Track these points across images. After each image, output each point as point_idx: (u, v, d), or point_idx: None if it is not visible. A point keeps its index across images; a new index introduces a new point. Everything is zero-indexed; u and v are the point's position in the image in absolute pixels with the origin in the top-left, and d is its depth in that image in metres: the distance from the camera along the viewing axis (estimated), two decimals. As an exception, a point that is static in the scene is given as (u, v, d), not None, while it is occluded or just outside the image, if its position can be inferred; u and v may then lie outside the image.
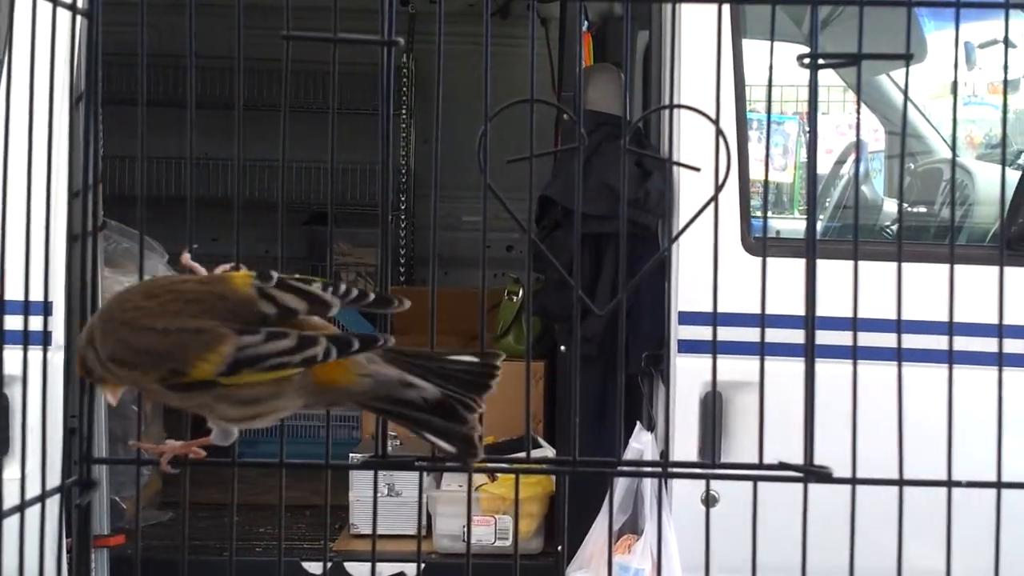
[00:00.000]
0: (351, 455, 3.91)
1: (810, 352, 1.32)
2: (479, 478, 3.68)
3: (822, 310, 1.48)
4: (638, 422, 3.29)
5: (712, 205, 1.37)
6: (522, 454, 3.62)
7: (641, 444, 3.20)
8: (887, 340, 1.63)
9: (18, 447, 1.32)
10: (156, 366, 1.24)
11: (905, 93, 3.42)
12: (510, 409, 3.72)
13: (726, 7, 2.82)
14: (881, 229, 4.50)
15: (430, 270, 1.44)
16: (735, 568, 1.59)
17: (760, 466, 1.30)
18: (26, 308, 1.53)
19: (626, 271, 1.58)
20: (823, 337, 1.56)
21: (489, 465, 1.36)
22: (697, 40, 2.95)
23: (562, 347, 3.71)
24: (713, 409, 2.25)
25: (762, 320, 1.37)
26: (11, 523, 1.29)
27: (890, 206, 4.68)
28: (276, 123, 1.45)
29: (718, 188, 1.25)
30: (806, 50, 1.42)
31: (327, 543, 3.53)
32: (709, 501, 2.52)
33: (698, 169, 1.44)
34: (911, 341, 2.56)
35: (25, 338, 1.55)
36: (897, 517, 1.37)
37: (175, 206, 5.36)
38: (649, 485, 3.09)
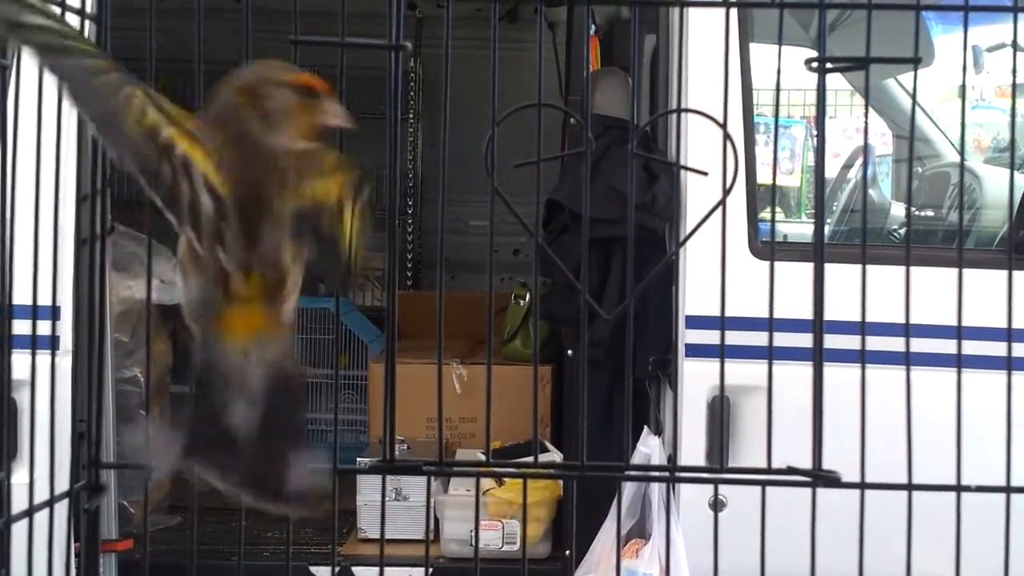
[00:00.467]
0: (358, 459, 3.91)
1: (818, 356, 1.32)
2: (487, 483, 3.68)
3: (830, 314, 1.47)
4: (645, 426, 3.29)
5: (719, 209, 1.37)
6: (529, 458, 3.61)
7: (648, 448, 3.20)
8: (895, 344, 1.63)
9: (26, 452, 1.33)
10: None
11: (913, 97, 3.41)
12: (517, 413, 3.74)
13: (733, 11, 2.82)
14: (889, 233, 4.49)
15: (438, 274, 1.44)
16: (743, 573, 1.59)
17: (768, 471, 1.30)
18: (34, 312, 1.53)
19: (634, 275, 1.58)
20: (831, 341, 1.56)
21: (497, 470, 1.35)
22: (705, 44, 2.94)
23: (569, 351, 3.71)
24: (721, 414, 2.24)
25: (770, 324, 1.37)
26: (20, 527, 1.30)
27: (897, 210, 4.68)
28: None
29: (726, 192, 1.25)
30: (813, 54, 1.42)
31: (335, 548, 3.53)
32: (717, 506, 2.52)
33: (706, 173, 1.44)
34: (919, 345, 2.55)
35: (33, 342, 1.55)
36: (906, 521, 1.37)
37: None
38: (657, 490, 3.09)
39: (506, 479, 3.62)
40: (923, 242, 4.09)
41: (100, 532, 1.42)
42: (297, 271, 1.28)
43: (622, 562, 2.98)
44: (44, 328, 1.80)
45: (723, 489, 1.51)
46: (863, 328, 1.39)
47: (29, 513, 1.29)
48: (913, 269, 1.53)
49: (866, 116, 3.62)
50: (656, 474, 1.63)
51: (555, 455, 3.88)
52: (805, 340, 1.48)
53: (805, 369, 1.45)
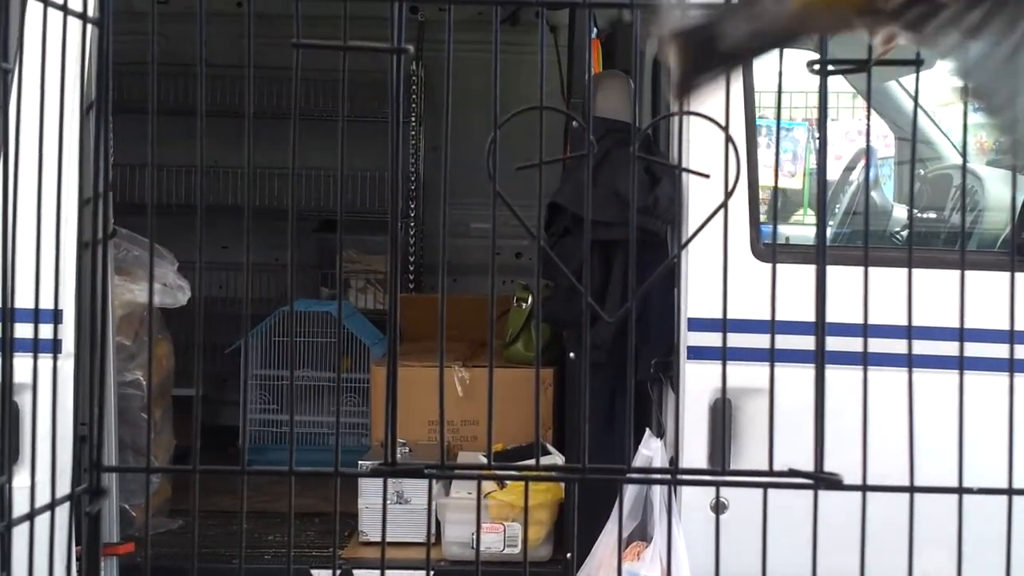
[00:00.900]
0: (360, 463, 3.91)
1: (820, 358, 1.32)
2: (488, 485, 3.68)
3: (832, 316, 1.47)
4: (647, 429, 3.29)
5: (721, 212, 1.37)
6: (531, 461, 3.60)
7: (650, 451, 3.20)
8: (898, 346, 1.63)
9: (28, 455, 1.33)
10: None
11: (915, 99, 3.40)
12: (519, 416, 3.74)
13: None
14: (891, 235, 4.49)
15: (439, 277, 1.44)
16: (745, 575, 1.59)
17: (770, 473, 1.30)
18: (36, 315, 1.53)
19: (635, 278, 1.58)
20: (833, 343, 1.56)
21: (498, 472, 1.35)
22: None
23: (571, 354, 3.71)
24: (723, 416, 2.24)
25: (771, 326, 1.37)
26: (21, 531, 1.30)
27: (899, 212, 4.68)
28: (287, 131, 1.45)
29: (727, 195, 1.25)
30: (815, 56, 1.42)
31: (336, 551, 3.53)
32: (719, 508, 2.51)
33: (707, 176, 1.44)
34: (922, 347, 2.55)
35: (35, 346, 1.55)
36: (908, 524, 1.36)
37: (185, 214, 5.36)
38: (658, 492, 3.09)
39: (508, 482, 3.62)
40: (925, 244, 4.09)
41: (101, 536, 1.42)
42: None
43: (624, 565, 2.98)
44: (46, 332, 1.80)
45: (725, 491, 1.51)
46: (865, 330, 1.39)
47: (30, 516, 1.29)
48: (915, 271, 1.52)
49: (868, 118, 3.61)
50: (657, 477, 1.62)
51: (557, 457, 3.88)
52: (807, 342, 1.48)
53: (807, 371, 1.45)
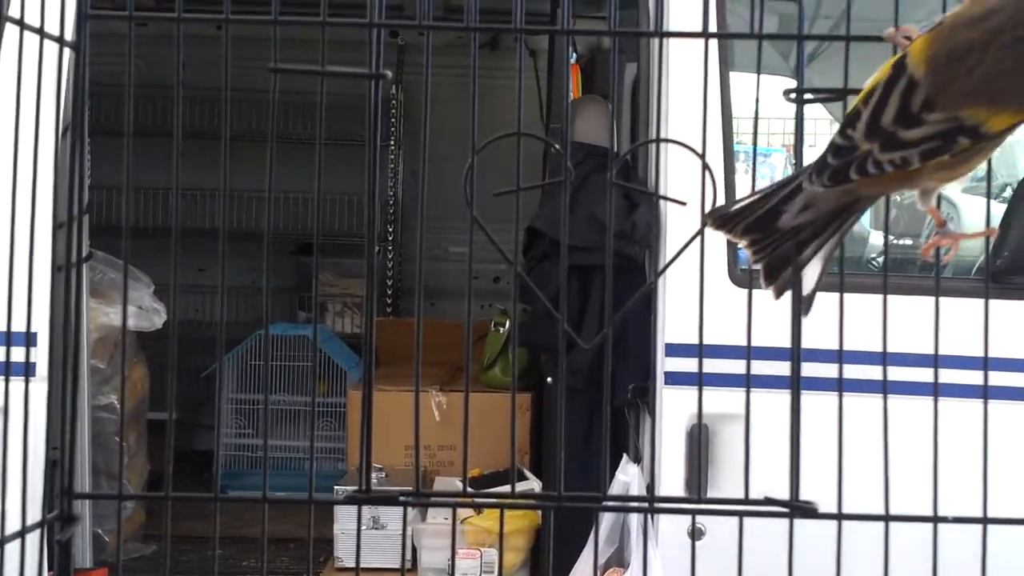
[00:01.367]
0: (336, 488, 3.90)
1: (796, 385, 1.31)
2: (465, 511, 3.66)
3: (810, 342, 1.47)
4: (624, 454, 3.28)
5: (699, 238, 1.38)
6: (507, 487, 3.59)
7: (628, 476, 3.19)
8: (875, 373, 1.63)
9: (-1, 480, 1.31)
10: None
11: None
12: (497, 441, 3.73)
13: (713, 41, 2.84)
14: (868, 262, 4.51)
15: (416, 301, 1.43)
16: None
17: (746, 501, 1.30)
18: (8, 339, 1.52)
19: (613, 303, 1.57)
20: (810, 369, 1.56)
21: (470, 501, 1.34)
22: (685, 72, 2.96)
23: (549, 379, 3.70)
24: (699, 442, 2.24)
25: (747, 353, 1.37)
26: (-9, 557, 1.28)
27: (876, 238, 4.69)
28: (264, 154, 1.45)
29: (704, 222, 1.25)
30: (793, 83, 1.42)
31: (311, 577, 3.50)
32: (696, 535, 2.50)
33: (684, 203, 1.44)
34: (900, 374, 2.56)
35: (7, 369, 1.54)
36: (883, 551, 1.36)
37: (162, 236, 5.35)
38: (635, 519, 3.08)
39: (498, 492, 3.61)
40: (902, 271, 4.11)
41: (73, 562, 1.40)
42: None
43: (601, 591, 2.97)
44: (19, 355, 1.78)
45: (701, 518, 1.50)
46: (840, 356, 1.39)
47: (0, 543, 1.27)
48: (892, 298, 1.53)
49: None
50: (633, 505, 1.62)
51: (534, 483, 3.87)
52: (785, 368, 1.48)
53: (785, 397, 1.44)
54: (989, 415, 1.48)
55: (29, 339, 1.58)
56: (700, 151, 1.30)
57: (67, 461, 1.23)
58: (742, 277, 3.08)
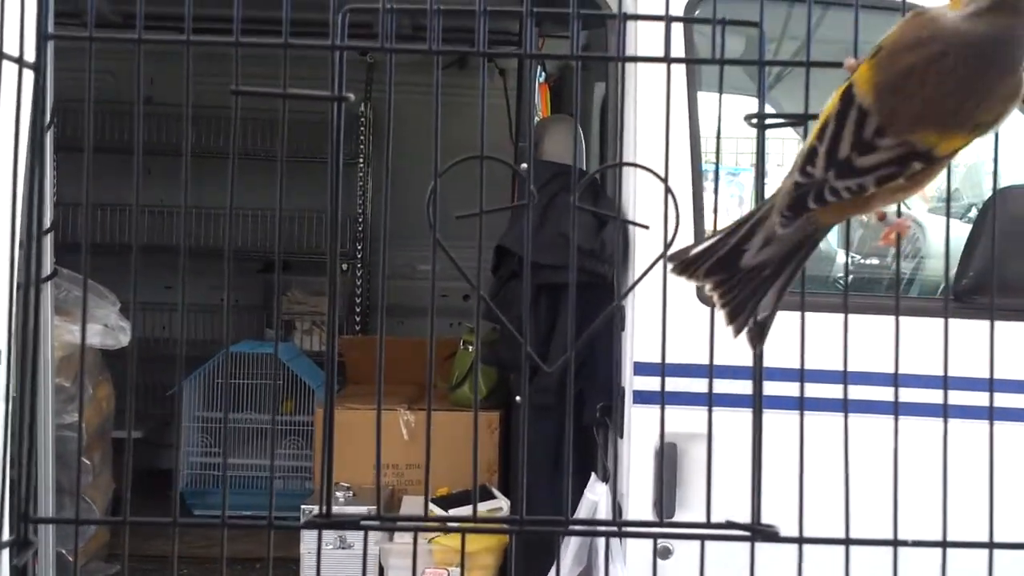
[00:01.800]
0: (303, 507, 3.87)
1: (757, 408, 1.32)
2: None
3: (777, 361, 1.48)
4: (593, 473, 3.28)
5: (668, 256, 1.38)
6: (479, 505, 3.57)
7: (596, 495, 3.19)
8: (849, 392, 1.63)
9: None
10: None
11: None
12: (465, 459, 3.72)
13: (680, 54, 2.86)
14: (834, 281, 4.53)
15: (378, 319, 1.43)
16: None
17: (708, 524, 1.30)
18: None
19: (581, 322, 1.57)
20: (781, 388, 1.56)
21: (434, 525, 1.34)
22: (653, 92, 2.97)
23: (517, 397, 3.70)
24: (661, 464, 2.24)
25: (710, 372, 1.37)
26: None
27: (843, 258, 4.72)
28: (234, 171, 1.44)
29: (667, 247, 1.25)
30: (757, 105, 1.43)
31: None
32: (662, 554, 2.50)
33: (647, 227, 1.45)
34: (865, 393, 2.57)
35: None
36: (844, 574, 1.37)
37: (128, 254, 5.31)
38: (603, 537, 3.08)
39: (463, 514, 3.59)
40: (868, 290, 4.13)
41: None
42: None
43: (568, 611, 2.96)
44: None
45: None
46: (802, 375, 1.40)
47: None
48: (859, 317, 1.53)
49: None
50: (596, 529, 1.62)
51: (502, 501, 3.86)
52: (751, 387, 1.48)
53: (752, 416, 1.45)
54: (951, 434, 1.49)
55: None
56: (664, 174, 1.30)
57: (23, 487, 1.22)
58: (710, 296, 3.09)
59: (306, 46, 1.24)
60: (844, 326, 1.44)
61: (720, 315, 1.30)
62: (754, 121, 1.39)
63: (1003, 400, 3.01)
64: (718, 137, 1.42)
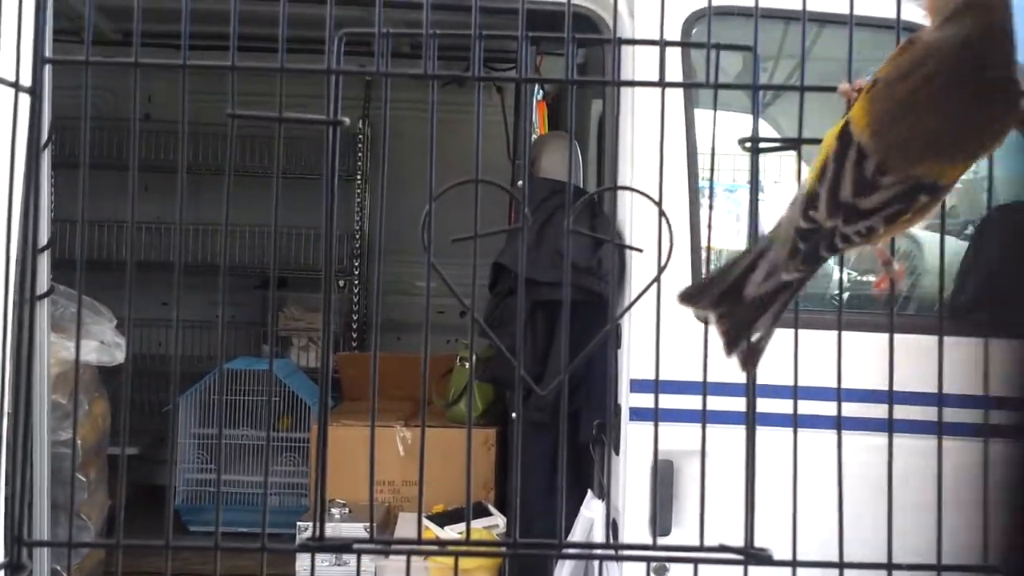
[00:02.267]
0: (299, 523, 3.86)
1: (751, 430, 1.32)
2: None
3: (775, 379, 1.48)
4: (589, 490, 3.27)
5: (667, 273, 1.38)
6: (476, 522, 3.57)
7: (592, 512, 3.18)
8: (846, 409, 1.63)
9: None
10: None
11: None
12: (461, 476, 3.70)
13: (677, 76, 2.86)
14: (831, 298, 4.53)
15: (373, 335, 1.43)
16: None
17: (701, 548, 1.30)
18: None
19: (578, 340, 1.58)
20: (779, 406, 1.56)
21: (426, 549, 1.34)
22: (650, 111, 2.98)
23: (514, 414, 3.70)
24: (654, 482, 2.23)
25: (703, 395, 1.37)
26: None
27: (838, 274, 4.72)
28: (234, 188, 1.44)
29: (660, 270, 1.26)
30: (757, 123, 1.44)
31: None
32: (658, 571, 2.50)
33: (640, 250, 1.45)
34: (861, 411, 2.56)
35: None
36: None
37: (125, 270, 5.30)
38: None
39: (458, 534, 3.58)
40: (865, 307, 4.12)
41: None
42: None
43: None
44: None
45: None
46: (795, 393, 1.40)
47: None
48: (857, 334, 1.54)
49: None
50: (587, 552, 1.62)
51: (498, 518, 3.85)
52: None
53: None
54: (947, 451, 1.49)
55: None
56: (659, 196, 1.31)
57: (17, 511, 1.22)
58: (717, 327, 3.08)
59: (302, 71, 1.25)
60: (838, 344, 1.45)
61: (718, 340, 1.30)
62: (748, 145, 1.40)
63: (998, 418, 3.01)
64: (712, 158, 1.42)
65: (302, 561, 3.71)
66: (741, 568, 1.39)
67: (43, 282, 2.81)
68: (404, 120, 3.86)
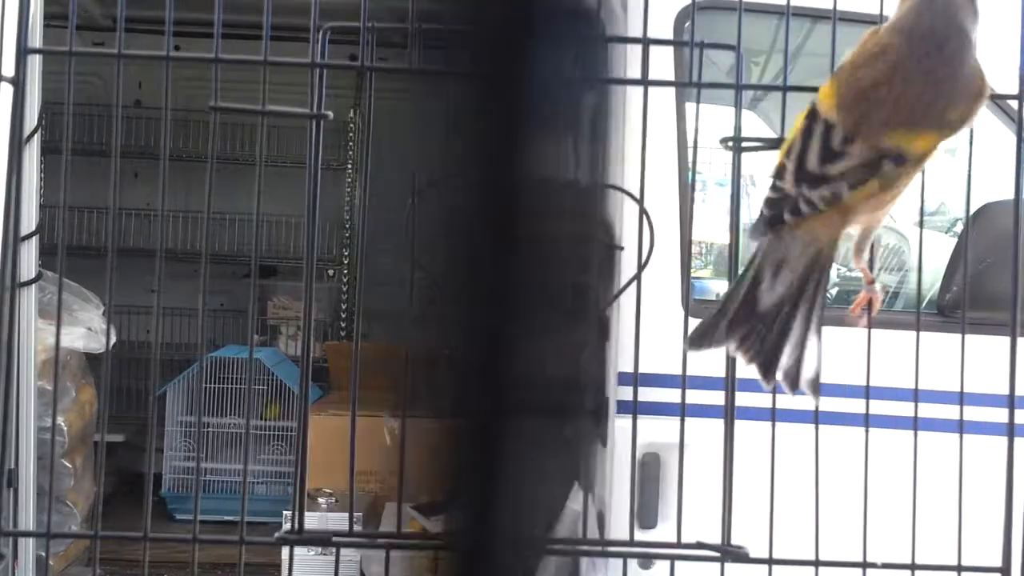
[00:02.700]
0: (285, 512, 3.86)
1: (730, 427, 1.32)
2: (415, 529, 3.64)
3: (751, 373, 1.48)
4: (576, 482, 3.28)
5: (655, 268, 1.39)
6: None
7: (579, 505, 3.18)
8: (831, 404, 1.64)
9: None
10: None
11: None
12: (448, 467, 3.70)
13: (668, 70, 2.86)
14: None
15: (355, 325, 1.44)
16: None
17: (679, 545, 1.30)
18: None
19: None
20: (755, 399, 1.56)
21: (408, 543, 1.34)
22: (640, 104, 2.97)
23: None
24: (633, 479, 2.22)
25: (682, 389, 1.38)
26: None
27: (832, 272, 4.73)
28: (221, 176, 1.44)
29: (640, 267, 1.26)
30: (746, 118, 1.44)
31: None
32: (644, 564, 2.50)
33: (622, 248, 1.46)
34: (846, 406, 2.57)
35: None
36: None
37: (116, 256, 5.29)
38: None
39: (433, 527, 3.58)
40: (850, 303, 4.13)
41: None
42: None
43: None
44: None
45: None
46: (773, 391, 1.40)
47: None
48: (840, 330, 1.54)
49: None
50: (560, 548, 1.62)
51: (485, 510, 3.86)
52: (740, 398, 1.49)
53: (738, 425, 1.45)
54: (928, 448, 1.50)
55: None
56: (641, 193, 1.31)
57: (-5, 498, 1.22)
58: (697, 307, 3.09)
59: (286, 63, 1.24)
60: (819, 339, 1.45)
61: (754, 371, 1.28)
62: (729, 145, 1.40)
63: (985, 415, 3.02)
64: (695, 154, 1.42)
65: (287, 551, 3.71)
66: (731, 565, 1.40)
67: (31, 268, 2.80)
68: (396, 109, 3.85)
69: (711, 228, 4.94)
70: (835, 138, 1.23)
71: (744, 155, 1.47)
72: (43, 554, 3.56)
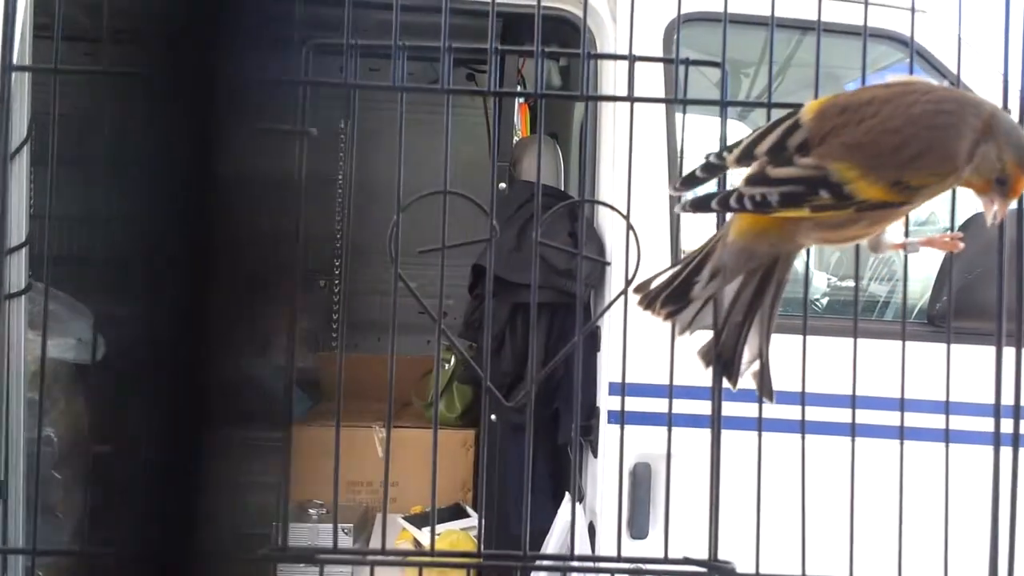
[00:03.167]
0: (273, 523, 3.85)
1: (716, 443, 1.32)
2: (408, 544, 3.64)
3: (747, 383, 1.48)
4: (567, 492, 3.28)
5: (644, 276, 1.39)
6: (453, 523, 3.56)
7: (570, 515, 3.18)
8: (820, 414, 1.64)
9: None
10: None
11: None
12: (440, 477, 3.70)
13: (658, 82, 2.87)
14: (811, 303, 4.55)
15: (356, 335, 1.43)
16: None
17: (666, 560, 1.31)
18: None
19: (556, 341, 1.58)
20: (744, 409, 1.57)
21: (390, 560, 1.34)
22: (628, 116, 2.98)
23: (492, 416, 3.70)
24: (631, 485, 2.24)
25: (669, 399, 1.38)
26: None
27: (819, 281, 4.75)
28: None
29: (628, 283, 1.26)
30: (737, 126, 1.45)
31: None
32: (635, 571, 2.49)
33: (608, 263, 1.46)
34: (837, 416, 2.57)
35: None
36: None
37: (106, 267, 5.28)
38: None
39: (429, 540, 3.58)
40: (844, 313, 4.15)
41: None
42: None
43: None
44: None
45: (640, 553, 1.50)
46: (760, 399, 1.40)
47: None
48: (829, 339, 1.55)
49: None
50: (549, 564, 1.63)
51: (475, 520, 3.86)
52: (730, 408, 1.49)
53: (728, 436, 1.46)
54: (925, 460, 1.50)
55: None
56: (627, 208, 1.32)
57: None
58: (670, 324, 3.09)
59: (271, 81, 1.25)
60: (803, 348, 1.45)
61: (717, 373, 1.29)
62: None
63: (978, 424, 3.03)
64: (680, 169, 1.43)
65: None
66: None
67: (21, 279, 2.80)
68: (385, 121, 3.86)
69: (701, 240, 4.94)
70: (794, 139, 1.21)
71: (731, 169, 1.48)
72: (38, 573, 3.55)
